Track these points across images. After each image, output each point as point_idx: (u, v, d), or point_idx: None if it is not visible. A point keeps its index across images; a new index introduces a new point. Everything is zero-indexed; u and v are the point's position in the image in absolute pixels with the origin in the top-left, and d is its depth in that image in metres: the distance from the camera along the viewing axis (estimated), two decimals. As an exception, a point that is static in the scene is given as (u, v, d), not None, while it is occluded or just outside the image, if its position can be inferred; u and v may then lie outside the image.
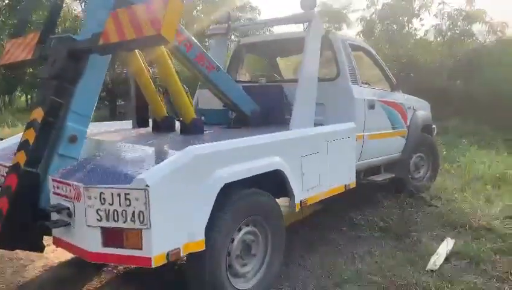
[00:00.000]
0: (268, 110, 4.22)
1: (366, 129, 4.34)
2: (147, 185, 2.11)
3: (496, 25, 12.37)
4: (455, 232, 4.24)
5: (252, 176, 2.75)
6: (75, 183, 2.29)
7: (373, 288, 3.17)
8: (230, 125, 4.18)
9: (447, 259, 3.59)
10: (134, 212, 2.16)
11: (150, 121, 4.14)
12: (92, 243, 2.26)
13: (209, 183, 2.46)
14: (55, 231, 2.48)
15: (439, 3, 13.30)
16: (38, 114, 2.58)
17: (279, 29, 15.00)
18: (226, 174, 2.54)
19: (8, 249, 2.62)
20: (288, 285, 3.23)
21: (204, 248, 2.42)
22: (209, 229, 2.45)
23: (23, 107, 26.42)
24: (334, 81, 4.25)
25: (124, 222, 2.19)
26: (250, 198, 2.83)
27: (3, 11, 15.14)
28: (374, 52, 5.08)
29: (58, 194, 2.42)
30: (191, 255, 2.43)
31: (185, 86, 3.59)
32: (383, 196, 5.11)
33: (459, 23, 12.85)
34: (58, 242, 2.51)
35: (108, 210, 2.20)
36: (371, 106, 4.45)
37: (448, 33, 13.04)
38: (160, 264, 2.24)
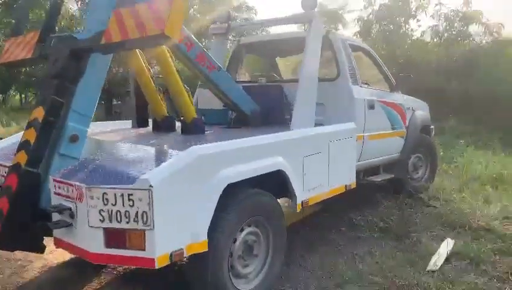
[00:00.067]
0: (268, 110, 4.21)
1: (366, 129, 4.35)
2: (150, 186, 2.09)
3: (492, 26, 12.45)
4: (455, 232, 4.25)
5: (254, 176, 2.74)
6: (77, 183, 2.27)
7: (374, 288, 3.17)
8: (230, 125, 4.17)
9: (447, 259, 3.60)
10: (137, 212, 2.14)
11: (150, 120, 4.12)
12: (94, 243, 2.24)
13: (213, 183, 2.44)
14: (56, 232, 2.45)
15: (436, 4, 13.39)
16: (39, 113, 2.55)
17: (275, 30, 14.98)
18: (229, 175, 2.53)
19: (8, 249, 2.60)
20: (290, 286, 3.22)
21: (207, 249, 2.40)
22: (212, 229, 2.43)
23: (18, 106, 26.29)
24: (335, 81, 4.25)
25: (127, 223, 2.17)
26: (252, 198, 2.82)
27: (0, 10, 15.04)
28: (373, 52, 5.09)
29: (59, 194, 2.40)
30: (193, 256, 2.41)
31: (185, 85, 3.57)
32: (382, 196, 5.12)
33: (455, 24, 12.91)
34: (59, 243, 2.48)
35: (111, 211, 2.17)
36: (371, 106, 4.46)
37: (445, 34, 13.10)
38: (164, 265, 2.22)
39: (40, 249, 2.61)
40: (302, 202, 3.21)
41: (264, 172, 2.81)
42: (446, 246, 3.76)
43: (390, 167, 5.12)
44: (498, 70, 11.42)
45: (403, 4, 13.47)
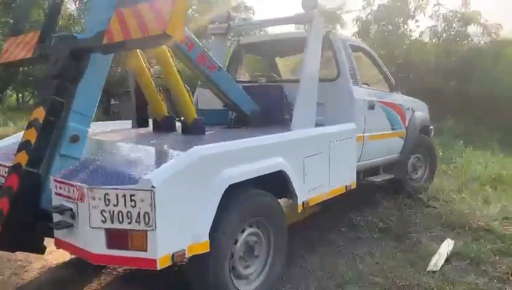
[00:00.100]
0: (268, 110, 4.21)
1: (366, 130, 4.35)
2: (152, 186, 2.09)
3: (490, 27, 12.48)
4: (454, 233, 4.25)
5: (256, 177, 2.74)
6: (79, 184, 2.26)
7: (375, 289, 3.17)
8: (231, 125, 4.16)
9: (447, 260, 3.60)
10: (139, 213, 2.13)
11: (150, 121, 4.11)
12: (96, 244, 2.23)
13: (215, 184, 2.44)
14: (57, 233, 2.44)
15: (435, 5, 13.40)
16: (39, 113, 2.54)
17: (273, 30, 14.96)
18: (231, 175, 2.52)
19: (9, 250, 2.59)
20: (290, 286, 3.21)
21: (209, 250, 2.39)
22: (213, 230, 2.43)
23: (14, 105, 26.19)
24: (335, 81, 4.25)
25: (129, 223, 2.16)
26: (253, 199, 2.82)
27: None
28: (373, 52, 5.09)
29: (60, 194, 2.38)
30: (194, 257, 2.40)
31: (186, 85, 3.56)
32: (382, 196, 5.12)
33: (454, 24, 12.94)
34: (60, 243, 2.47)
35: (113, 211, 2.16)
36: (371, 107, 4.46)
37: (444, 34, 13.12)
38: (165, 266, 2.21)
39: (41, 249, 2.60)
40: (303, 203, 3.21)
41: (266, 172, 2.80)
42: (446, 247, 3.76)
43: (390, 168, 5.12)
44: (496, 71, 11.45)
45: (401, 4, 13.50)
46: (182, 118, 3.62)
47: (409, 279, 3.27)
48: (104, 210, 2.18)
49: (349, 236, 4.22)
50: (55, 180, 2.42)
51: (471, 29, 12.93)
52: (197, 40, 3.47)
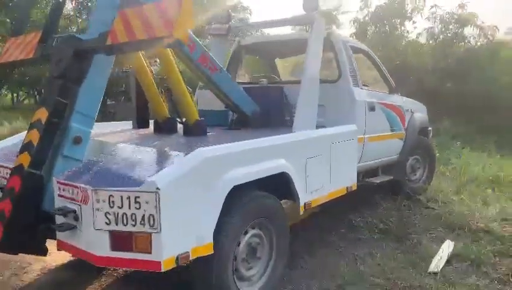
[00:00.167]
0: (269, 111, 4.21)
1: (367, 131, 4.36)
2: (157, 188, 2.08)
3: (487, 29, 12.54)
4: (454, 234, 4.27)
5: (258, 178, 2.73)
6: (83, 185, 2.25)
7: (376, 290, 3.18)
8: (231, 126, 4.15)
9: (448, 261, 3.61)
10: (144, 215, 2.12)
11: (150, 121, 4.09)
12: (99, 246, 2.22)
13: (219, 185, 2.43)
14: (60, 234, 2.42)
15: (432, 7, 13.45)
16: (42, 114, 2.53)
17: (269, 30, 14.94)
18: (234, 177, 2.52)
19: (11, 252, 2.57)
20: (292, 288, 3.22)
21: (212, 252, 2.39)
22: (217, 232, 2.42)
23: (9, 105, 25.99)
24: (336, 83, 4.25)
25: (134, 226, 2.15)
26: (256, 201, 2.82)
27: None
28: (373, 54, 5.10)
29: (63, 196, 2.37)
30: (197, 259, 2.40)
31: (188, 87, 3.55)
32: (381, 197, 5.13)
33: (450, 26, 12.99)
34: (62, 245, 2.46)
35: (118, 213, 2.16)
36: (371, 108, 4.47)
37: (441, 36, 13.17)
38: (170, 268, 2.21)
39: (43, 251, 2.59)
40: (304, 204, 3.22)
41: (269, 174, 2.80)
42: (447, 248, 3.78)
43: (389, 169, 5.14)
44: (492, 72, 11.51)
45: (398, 6, 13.53)
46: (183, 119, 3.61)
47: (410, 280, 3.28)
48: (108, 212, 2.17)
49: (350, 237, 4.23)
50: (58, 182, 2.40)
51: (468, 31, 13.00)
52: (199, 41, 3.46)
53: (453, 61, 12.62)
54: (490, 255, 3.70)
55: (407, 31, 14.12)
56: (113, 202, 2.15)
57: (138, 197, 2.12)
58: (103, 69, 2.73)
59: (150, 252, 2.15)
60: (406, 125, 5.23)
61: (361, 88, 4.39)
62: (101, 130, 3.63)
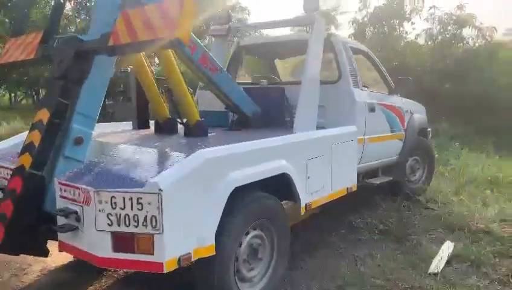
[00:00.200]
0: (269, 112, 4.21)
1: (367, 132, 4.36)
2: (160, 189, 2.08)
3: (485, 30, 12.57)
4: (454, 235, 4.27)
5: (259, 179, 2.73)
6: (85, 186, 2.24)
7: (377, 291, 3.19)
8: (232, 127, 4.15)
9: (448, 262, 3.62)
10: (146, 216, 2.12)
11: (151, 122, 4.09)
12: (101, 248, 2.21)
13: (220, 186, 2.43)
14: (61, 235, 2.42)
15: (430, 8, 13.48)
16: (43, 115, 2.52)
17: (268, 31, 14.94)
18: (236, 178, 2.52)
19: (13, 253, 2.56)
20: (292, 289, 3.21)
21: (214, 253, 2.39)
22: (218, 233, 2.42)
23: (7, 105, 25.92)
24: (336, 84, 4.25)
25: (136, 227, 2.15)
26: (258, 202, 2.82)
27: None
28: (372, 55, 5.11)
29: (65, 197, 2.37)
30: (199, 260, 2.39)
31: (189, 87, 3.55)
32: (381, 198, 5.14)
33: (449, 27, 13.02)
34: (64, 246, 2.45)
35: (120, 215, 2.15)
36: (371, 109, 4.48)
37: (439, 37, 13.20)
38: (172, 269, 2.20)
39: (44, 252, 2.58)
40: (305, 205, 3.22)
41: (270, 175, 2.80)
42: (447, 249, 3.78)
43: (388, 170, 5.15)
44: (491, 73, 11.54)
45: (397, 7, 13.56)
46: (184, 120, 3.60)
47: (410, 281, 3.28)
48: (110, 213, 2.16)
49: (349, 238, 4.23)
50: (59, 183, 2.40)
51: (466, 32, 13.03)
52: (199, 42, 3.46)
53: (451, 62, 12.65)
54: (490, 256, 3.71)
55: (406, 32, 14.17)
56: (115, 203, 2.15)
57: (140, 198, 2.11)
58: (104, 69, 2.73)
59: (152, 254, 2.15)
60: (405, 126, 5.24)
61: (361, 89, 4.40)
62: (102, 131, 3.63)
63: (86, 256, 2.32)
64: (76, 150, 2.59)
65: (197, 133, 3.50)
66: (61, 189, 2.39)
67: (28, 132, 2.62)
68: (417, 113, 5.61)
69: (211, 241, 2.37)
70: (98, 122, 2.83)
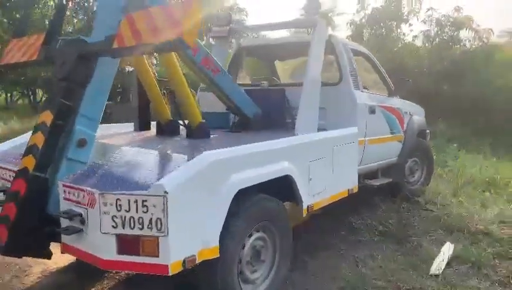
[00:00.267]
0: (269, 113, 4.21)
1: (367, 134, 4.38)
2: (165, 192, 2.08)
3: (482, 32, 12.68)
4: (453, 236, 4.29)
5: (263, 181, 2.74)
6: (89, 189, 2.24)
7: (378, 293, 3.20)
8: (232, 128, 4.15)
9: (448, 264, 3.63)
10: (151, 219, 2.12)
11: (151, 123, 4.08)
12: (106, 250, 2.21)
13: (224, 189, 2.43)
14: (65, 238, 2.41)
15: (428, 9, 13.58)
16: (46, 117, 2.52)
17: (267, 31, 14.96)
18: (240, 180, 2.53)
19: (16, 256, 2.55)
20: (294, 290, 3.23)
21: (218, 255, 2.39)
22: (222, 235, 2.42)
23: (3, 105, 25.78)
24: (337, 86, 4.27)
25: (141, 229, 2.15)
26: (261, 204, 2.82)
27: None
28: (372, 56, 5.13)
29: (69, 199, 2.36)
30: (202, 262, 2.39)
31: (192, 89, 3.55)
32: (380, 199, 5.16)
33: (446, 29, 13.11)
34: (67, 249, 2.44)
35: (125, 217, 2.15)
36: (372, 111, 4.49)
37: (437, 39, 13.29)
38: (177, 271, 2.20)
39: (47, 255, 2.57)
40: (307, 207, 3.23)
41: (273, 177, 2.81)
42: (447, 250, 3.80)
43: (388, 171, 5.17)
44: (487, 74, 11.63)
45: (395, 9, 13.63)
46: (187, 122, 3.60)
47: (411, 282, 3.29)
48: (115, 216, 2.16)
49: (350, 239, 4.25)
50: (63, 185, 2.39)
51: (463, 34, 13.13)
52: (201, 43, 3.47)
53: (448, 63, 12.75)
54: (490, 258, 3.73)
55: (404, 34, 14.27)
56: (120, 205, 2.15)
57: (146, 200, 2.11)
58: (108, 71, 2.73)
59: (157, 256, 2.14)
60: (404, 127, 5.27)
61: (362, 91, 4.42)
62: (104, 133, 3.62)
63: (90, 258, 2.31)
64: (80, 152, 2.58)
65: (199, 135, 3.49)
66: (65, 191, 2.38)
67: (30, 133, 2.61)
68: (416, 114, 5.64)
69: (215, 243, 2.37)
70: (97, 123, 2.81)
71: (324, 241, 4.15)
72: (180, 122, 3.67)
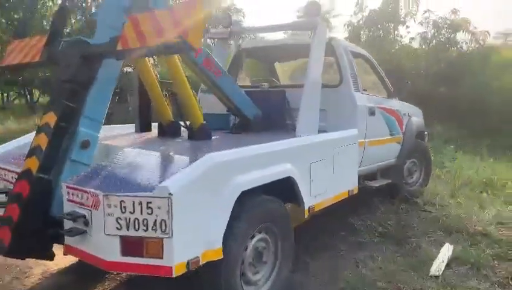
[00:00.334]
0: (270, 115, 4.23)
1: (367, 136, 4.40)
2: (170, 193, 2.09)
3: (478, 34, 12.76)
4: (452, 237, 4.32)
5: (266, 183, 2.75)
6: (93, 190, 2.24)
7: (379, 294, 3.22)
8: (233, 130, 4.16)
9: (447, 265, 3.65)
10: (156, 221, 2.13)
11: (153, 124, 4.08)
12: (110, 252, 2.21)
13: (228, 190, 2.45)
14: (68, 239, 2.41)
15: (425, 11, 13.64)
16: (50, 118, 2.52)
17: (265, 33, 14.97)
18: (243, 182, 2.54)
19: (19, 258, 2.55)
20: (295, 291, 3.24)
21: (222, 256, 2.40)
22: (225, 237, 2.43)
23: (0, 105, 25.66)
24: (337, 88, 4.29)
25: (145, 231, 2.15)
26: (263, 205, 2.83)
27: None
28: (372, 58, 5.16)
29: (73, 201, 2.36)
30: (206, 263, 2.40)
31: (193, 90, 3.55)
32: (379, 201, 5.18)
33: (443, 31, 13.17)
34: (70, 250, 2.44)
35: (129, 219, 2.16)
36: (372, 113, 4.52)
37: (433, 41, 13.35)
38: (181, 273, 2.21)
39: (50, 256, 2.57)
40: (309, 208, 3.24)
41: (276, 179, 2.82)
42: (446, 251, 3.82)
43: (387, 172, 5.20)
44: (484, 77, 11.69)
45: (392, 10, 13.68)
46: (188, 123, 3.60)
47: (412, 284, 3.32)
48: (119, 217, 2.16)
49: (350, 240, 4.26)
50: (67, 187, 2.39)
51: (460, 36, 13.19)
52: (203, 45, 3.47)
53: (445, 65, 12.81)
54: (489, 259, 3.75)
55: (401, 36, 14.31)
56: (124, 207, 2.15)
57: (150, 202, 2.12)
58: (111, 73, 2.73)
59: (162, 257, 2.15)
60: (403, 129, 5.30)
61: (362, 93, 4.44)
62: (106, 134, 3.62)
63: (93, 260, 2.31)
64: (83, 154, 2.58)
65: (200, 136, 3.50)
66: (68, 193, 2.38)
67: (34, 133, 2.61)
68: (414, 116, 5.67)
69: (219, 244, 2.38)
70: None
71: (324, 242, 4.16)
72: (182, 123, 3.67)
